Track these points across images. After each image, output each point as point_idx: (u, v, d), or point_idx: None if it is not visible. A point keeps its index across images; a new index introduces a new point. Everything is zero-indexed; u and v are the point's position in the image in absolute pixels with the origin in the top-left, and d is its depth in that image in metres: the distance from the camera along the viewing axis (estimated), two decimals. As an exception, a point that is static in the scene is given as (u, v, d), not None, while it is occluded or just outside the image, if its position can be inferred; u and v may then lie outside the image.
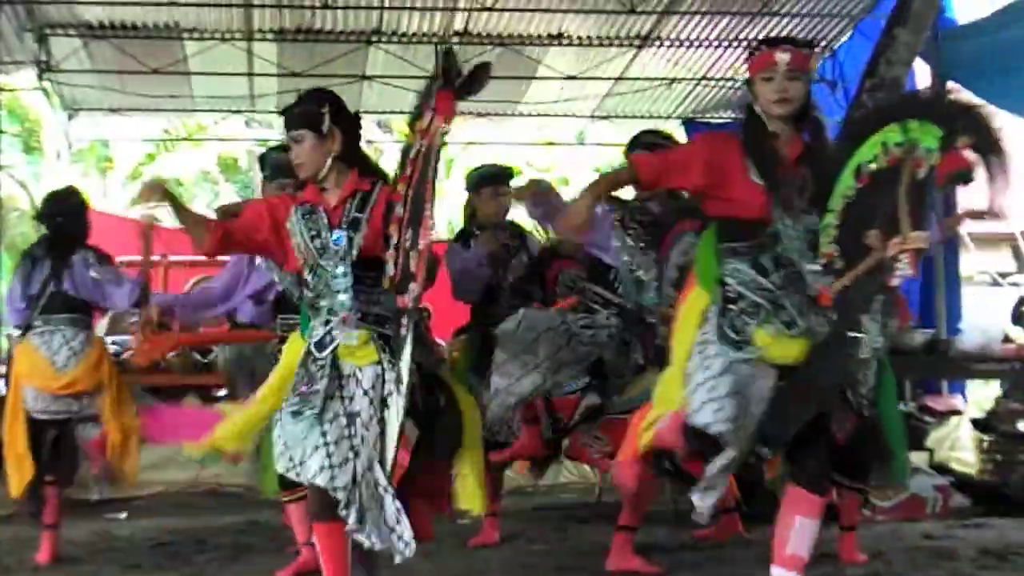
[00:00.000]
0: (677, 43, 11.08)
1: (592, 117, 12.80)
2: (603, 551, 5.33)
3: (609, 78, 11.51)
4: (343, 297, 3.80)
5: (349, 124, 3.99)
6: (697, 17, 10.47)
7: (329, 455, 3.68)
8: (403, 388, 3.61)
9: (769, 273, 3.76)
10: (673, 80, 11.80)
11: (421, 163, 3.54)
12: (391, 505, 3.65)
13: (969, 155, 3.38)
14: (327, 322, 3.84)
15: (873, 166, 3.53)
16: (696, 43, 11.07)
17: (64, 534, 6.68)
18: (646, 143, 5.60)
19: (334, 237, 3.84)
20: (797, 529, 3.79)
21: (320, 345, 3.83)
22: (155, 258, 10.36)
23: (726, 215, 3.86)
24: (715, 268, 3.84)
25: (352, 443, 3.71)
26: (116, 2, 9.76)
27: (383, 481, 3.68)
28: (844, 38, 10.49)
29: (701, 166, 3.85)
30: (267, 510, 6.37)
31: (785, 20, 10.29)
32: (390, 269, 3.70)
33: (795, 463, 3.89)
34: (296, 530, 5.25)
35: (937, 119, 3.44)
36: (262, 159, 5.76)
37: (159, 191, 4.27)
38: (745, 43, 10.52)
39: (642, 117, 12.20)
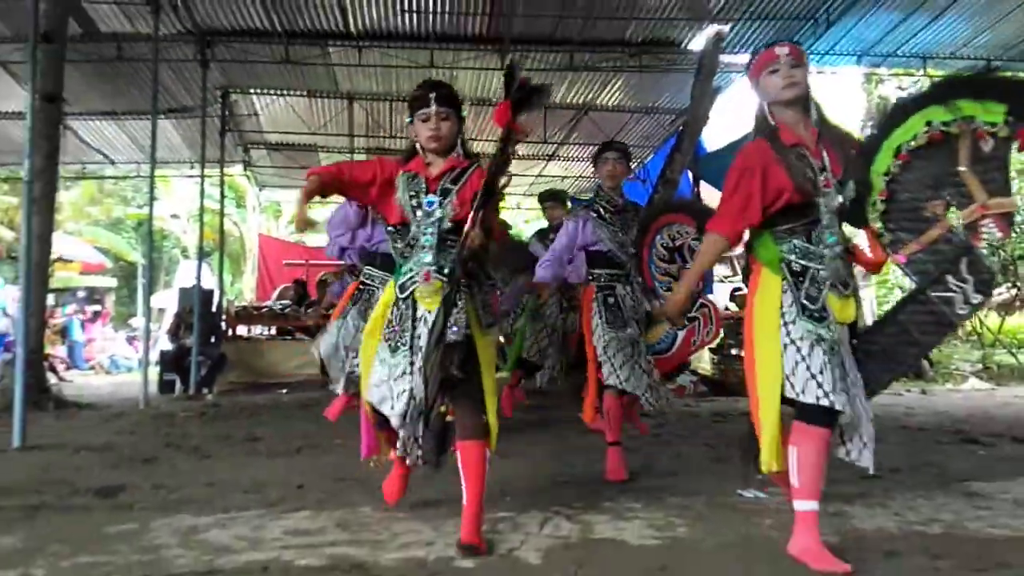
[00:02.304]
0: (568, 159, 11.05)
1: (524, 195, 12.75)
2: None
3: (531, 175, 11.45)
4: (427, 256, 2.44)
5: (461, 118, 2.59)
6: (577, 146, 10.43)
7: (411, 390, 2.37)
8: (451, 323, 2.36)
9: (822, 244, 2.26)
10: (565, 177, 11.76)
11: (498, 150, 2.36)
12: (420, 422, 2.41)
13: None
14: (409, 270, 2.48)
15: (914, 144, 2.27)
16: (577, 159, 11.01)
17: (250, 400, 6.54)
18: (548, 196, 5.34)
19: (427, 200, 2.45)
20: (800, 460, 2.16)
21: (402, 288, 2.48)
22: (301, 262, 10.03)
23: (781, 205, 2.26)
24: (776, 250, 2.29)
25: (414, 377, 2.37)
26: (284, 131, 9.64)
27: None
28: (650, 157, 10.49)
29: (759, 198, 2.24)
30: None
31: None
32: (467, 226, 2.40)
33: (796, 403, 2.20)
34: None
35: (998, 97, 2.20)
36: None
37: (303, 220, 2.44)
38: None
39: (549, 196, 12.15)
